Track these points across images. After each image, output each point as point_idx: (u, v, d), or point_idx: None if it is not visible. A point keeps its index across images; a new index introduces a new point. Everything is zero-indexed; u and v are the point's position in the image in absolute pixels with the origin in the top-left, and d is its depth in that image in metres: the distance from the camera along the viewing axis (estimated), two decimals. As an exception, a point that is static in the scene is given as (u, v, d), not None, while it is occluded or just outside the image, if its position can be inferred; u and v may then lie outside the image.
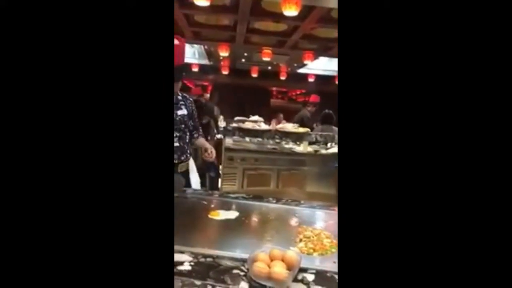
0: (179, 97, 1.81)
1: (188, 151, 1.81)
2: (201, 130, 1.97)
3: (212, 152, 1.81)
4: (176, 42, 1.57)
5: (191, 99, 1.87)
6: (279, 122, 4.72)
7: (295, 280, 0.80)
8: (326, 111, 4.21)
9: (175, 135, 1.72)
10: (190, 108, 1.83)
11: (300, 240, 1.04)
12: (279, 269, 0.77)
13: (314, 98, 4.89)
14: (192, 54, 8.31)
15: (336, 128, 4.08)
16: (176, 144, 1.73)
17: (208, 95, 5.28)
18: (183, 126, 1.78)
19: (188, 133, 1.83)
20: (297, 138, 3.99)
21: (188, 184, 1.77)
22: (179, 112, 1.77)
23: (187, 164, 1.79)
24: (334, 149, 3.56)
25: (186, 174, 1.77)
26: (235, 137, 3.35)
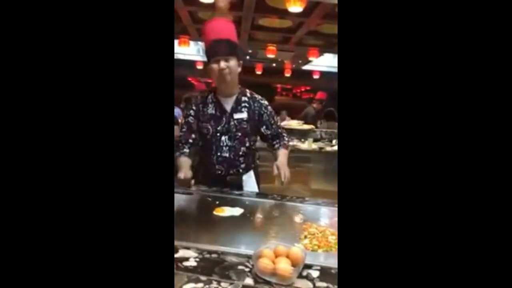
0: (244, 98, 1.49)
1: (243, 165, 1.50)
2: (285, 139, 1.58)
3: (281, 171, 1.43)
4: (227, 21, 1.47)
5: (262, 101, 1.52)
6: (283, 120, 4.71)
7: (300, 276, 0.80)
8: (329, 108, 4.21)
9: (225, 144, 1.46)
10: (257, 112, 1.49)
11: (305, 237, 1.04)
12: (283, 266, 0.77)
13: (320, 95, 4.87)
14: (196, 51, 8.30)
15: None
16: (225, 154, 1.46)
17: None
18: (239, 134, 1.47)
19: (248, 143, 1.50)
20: (302, 135, 4.00)
21: None
22: (236, 116, 1.46)
23: (239, 179, 1.51)
24: (339, 146, 3.55)
25: (237, 186, 1.51)
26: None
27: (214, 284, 0.75)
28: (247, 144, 1.51)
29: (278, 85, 12.13)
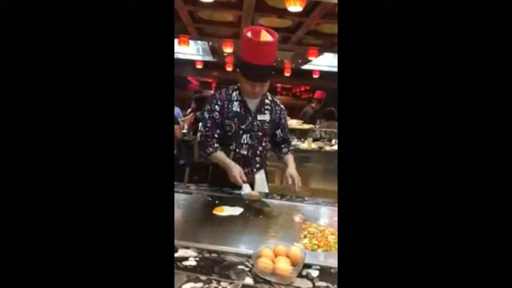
0: (267, 101, 1.54)
1: (257, 165, 1.55)
2: (292, 146, 1.68)
3: (296, 181, 1.47)
4: (269, 38, 1.38)
5: (282, 106, 1.60)
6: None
7: (300, 276, 0.80)
8: (329, 108, 4.21)
9: (245, 142, 1.49)
10: (278, 115, 1.56)
11: (305, 236, 1.04)
12: (283, 265, 0.77)
13: (318, 94, 4.86)
14: (196, 50, 8.29)
15: None
16: (244, 152, 1.49)
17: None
18: (260, 134, 1.51)
19: (264, 143, 1.56)
20: (302, 134, 4.00)
21: None
22: (260, 117, 1.50)
23: (252, 177, 1.54)
24: (339, 146, 3.56)
25: (249, 185, 1.49)
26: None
27: (214, 283, 0.75)
28: (264, 144, 1.56)
29: (278, 85, 12.12)
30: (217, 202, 1.33)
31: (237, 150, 1.50)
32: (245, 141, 1.49)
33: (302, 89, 12.17)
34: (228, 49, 6.42)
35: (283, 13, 4.07)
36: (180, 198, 1.35)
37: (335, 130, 4.02)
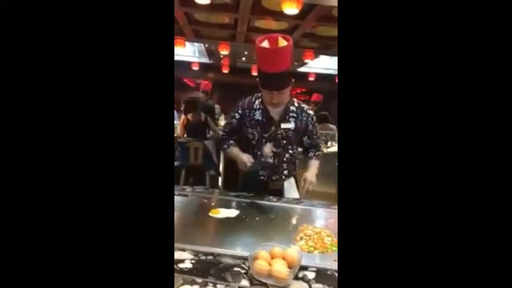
0: (292, 108, 1.50)
1: (286, 171, 1.54)
2: (320, 150, 1.65)
3: (308, 185, 1.49)
4: (283, 43, 1.33)
5: (309, 112, 1.54)
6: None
7: (296, 278, 0.80)
8: (322, 112, 4.25)
9: (271, 150, 1.49)
10: (304, 122, 1.51)
11: (301, 238, 1.04)
12: (279, 267, 0.77)
13: (316, 97, 4.87)
14: (192, 52, 8.29)
15: (333, 126, 4.11)
16: (269, 160, 1.48)
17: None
18: (284, 142, 1.49)
19: (292, 150, 1.53)
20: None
21: None
22: (284, 125, 1.47)
23: (281, 184, 1.55)
24: (334, 148, 3.58)
25: (278, 192, 1.53)
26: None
27: (210, 286, 0.75)
28: (291, 151, 1.53)
29: (274, 87, 12.10)
30: (213, 204, 1.33)
31: (263, 159, 1.49)
32: (272, 150, 1.49)
33: (298, 91, 12.18)
34: (224, 51, 6.43)
35: (280, 15, 4.09)
36: (176, 200, 1.35)
37: (330, 132, 4.04)
